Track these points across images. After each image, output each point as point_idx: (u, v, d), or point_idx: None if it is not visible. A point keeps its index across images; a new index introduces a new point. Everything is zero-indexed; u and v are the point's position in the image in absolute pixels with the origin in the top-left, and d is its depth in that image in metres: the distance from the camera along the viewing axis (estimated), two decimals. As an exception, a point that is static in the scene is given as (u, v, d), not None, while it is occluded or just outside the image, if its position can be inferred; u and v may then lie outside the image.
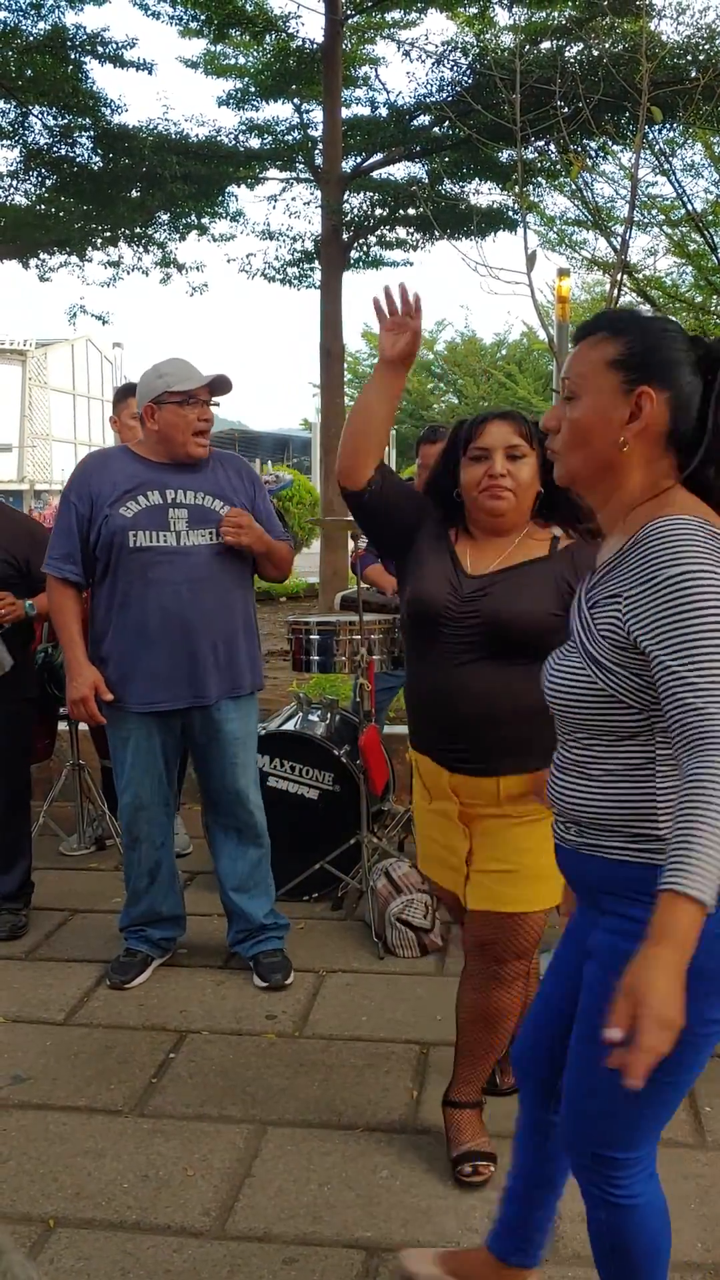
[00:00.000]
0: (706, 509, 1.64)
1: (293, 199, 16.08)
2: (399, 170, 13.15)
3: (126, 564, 3.37)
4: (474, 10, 11.79)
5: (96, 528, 3.38)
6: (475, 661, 2.41)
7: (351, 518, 2.66)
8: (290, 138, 13.26)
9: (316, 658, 4.35)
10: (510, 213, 12.34)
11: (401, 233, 13.32)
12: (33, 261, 13.69)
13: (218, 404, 3.50)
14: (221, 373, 3.43)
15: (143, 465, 3.44)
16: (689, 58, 10.02)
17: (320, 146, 12.34)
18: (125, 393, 4.60)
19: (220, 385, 3.44)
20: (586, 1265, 2.30)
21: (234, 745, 3.52)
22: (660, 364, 1.66)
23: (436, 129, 12.26)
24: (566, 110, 7.73)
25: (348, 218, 12.37)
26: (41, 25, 11.53)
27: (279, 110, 20.64)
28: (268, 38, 12.30)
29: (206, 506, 3.43)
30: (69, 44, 11.52)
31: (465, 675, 2.42)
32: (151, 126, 12.60)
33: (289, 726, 4.47)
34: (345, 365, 13.53)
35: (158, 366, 3.43)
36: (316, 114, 12.60)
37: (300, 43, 12.24)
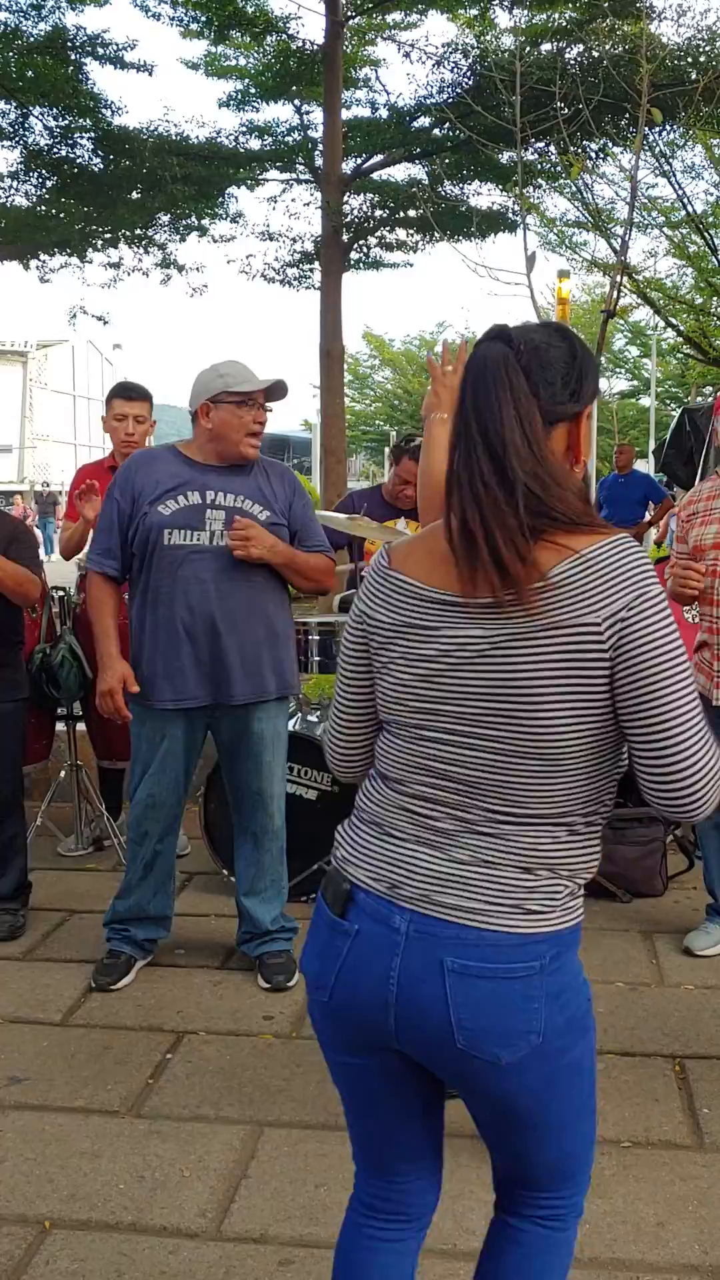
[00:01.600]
0: None
1: (293, 200, 16.12)
2: (399, 172, 13.17)
3: (159, 561, 3.40)
4: (474, 12, 11.80)
5: (135, 524, 3.42)
6: None
7: (351, 517, 2.65)
8: (290, 139, 13.27)
9: (316, 658, 4.34)
10: (510, 214, 12.35)
11: (401, 234, 13.33)
12: (33, 263, 13.70)
13: (270, 409, 3.50)
14: (280, 378, 3.45)
15: (186, 465, 3.46)
16: (689, 60, 10.03)
17: (320, 148, 12.35)
18: (114, 394, 4.63)
19: (277, 390, 3.46)
20: (583, 1267, 2.29)
21: (259, 747, 3.51)
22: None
23: (437, 130, 12.28)
24: (567, 112, 7.74)
25: (348, 219, 12.38)
26: (42, 26, 11.54)
27: (279, 112, 20.64)
28: (268, 39, 12.31)
29: (244, 509, 3.42)
30: (69, 45, 11.53)
31: None
32: (152, 128, 12.62)
33: (289, 727, 4.46)
34: (345, 366, 13.51)
35: (216, 366, 3.46)
36: (317, 115, 12.61)
37: (301, 44, 12.25)
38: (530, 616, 1.45)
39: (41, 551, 4.25)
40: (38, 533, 4.56)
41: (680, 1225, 2.43)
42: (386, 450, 4.84)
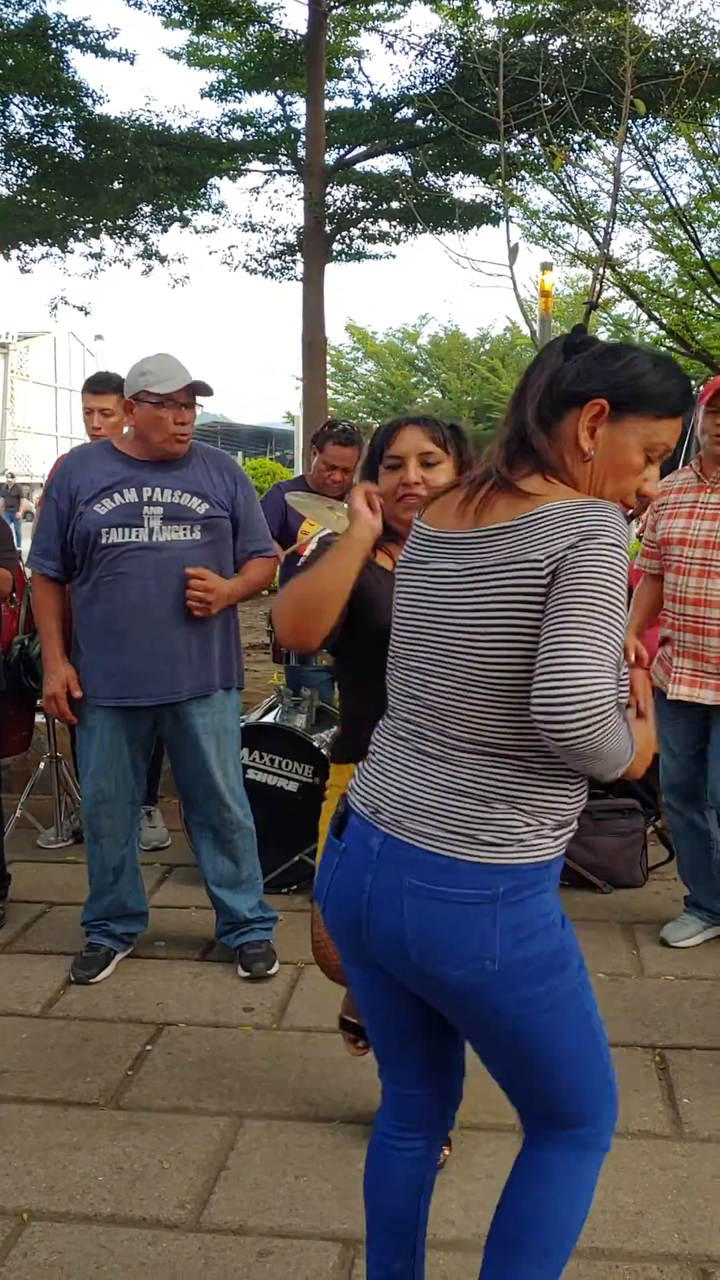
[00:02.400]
0: None
1: (275, 191, 16.10)
2: (382, 163, 13.15)
3: (98, 560, 3.37)
4: (458, 3, 11.77)
5: (72, 524, 3.39)
6: None
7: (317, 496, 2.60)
8: (273, 130, 13.23)
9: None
10: (493, 206, 12.35)
11: (384, 225, 13.31)
12: (14, 253, 13.62)
13: (201, 405, 3.47)
14: (199, 380, 3.36)
15: (122, 462, 3.42)
16: (672, 52, 10.03)
17: (303, 139, 12.32)
18: (83, 387, 4.67)
19: (198, 389, 3.38)
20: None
21: (205, 741, 3.48)
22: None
23: (420, 122, 12.26)
24: (550, 103, 7.72)
25: (330, 210, 12.36)
26: (23, 14, 11.46)
27: (262, 102, 20.55)
28: (251, 29, 12.27)
29: (182, 504, 3.39)
30: (50, 33, 11.46)
31: None
32: (134, 118, 12.56)
33: (268, 719, 4.45)
34: (327, 358, 13.49)
35: (142, 363, 3.39)
36: (299, 106, 12.59)
37: (283, 34, 12.22)
38: (491, 552, 1.60)
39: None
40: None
41: (659, 1214, 2.44)
42: (311, 443, 4.80)
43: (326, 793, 2.59)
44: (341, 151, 12.81)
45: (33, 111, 12.15)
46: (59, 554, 3.44)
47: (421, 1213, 1.95)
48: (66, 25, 11.52)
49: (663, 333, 14.05)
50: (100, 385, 4.57)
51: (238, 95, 13.06)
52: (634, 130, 10.12)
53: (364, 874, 1.70)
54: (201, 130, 13.08)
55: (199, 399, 3.45)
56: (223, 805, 3.55)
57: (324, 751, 4.20)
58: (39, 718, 4.79)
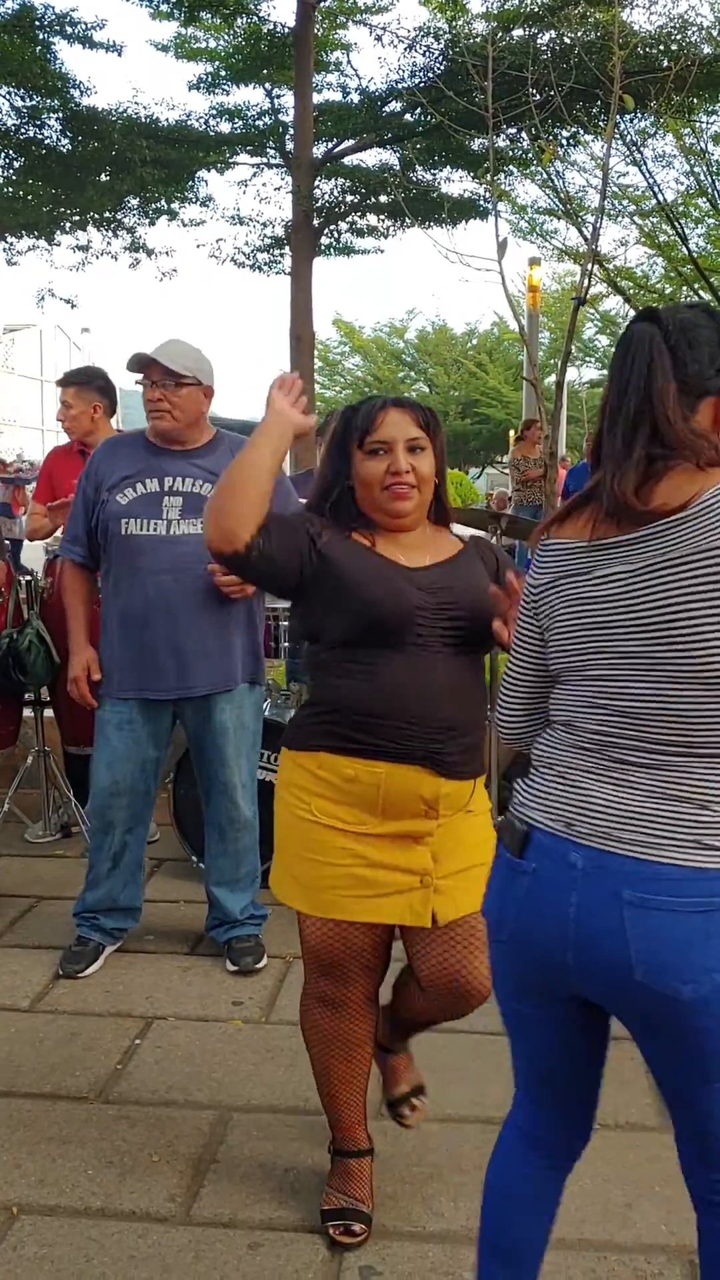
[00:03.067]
0: None
1: (263, 184, 16.06)
2: (370, 157, 13.13)
3: (118, 551, 3.40)
4: (446, -4, 11.76)
5: (97, 513, 3.43)
6: (445, 658, 2.24)
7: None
8: (261, 123, 13.20)
9: (287, 644, 4.32)
10: (482, 201, 12.34)
11: (372, 219, 13.29)
12: (0, 245, 13.55)
13: (169, 383, 3.33)
14: (139, 352, 3.34)
15: (146, 451, 3.44)
16: (660, 47, 10.04)
17: (291, 132, 12.30)
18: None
19: (137, 364, 3.35)
20: (552, 1248, 2.31)
21: (223, 738, 3.47)
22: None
23: (408, 115, 12.25)
24: (538, 98, 7.71)
25: (318, 204, 12.34)
26: (9, 4, 11.40)
27: (250, 95, 20.48)
28: (238, 21, 12.24)
29: (202, 494, 3.35)
30: (37, 23, 11.40)
31: (440, 673, 2.22)
32: (121, 109, 12.50)
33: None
34: (315, 352, 13.47)
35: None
36: (287, 99, 12.57)
37: (271, 27, 12.18)
38: (675, 544, 1.54)
39: None
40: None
41: (648, 1206, 2.45)
42: (315, 434, 4.82)
43: (279, 790, 2.35)
44: (329, 145, 12.79)
45: (19, 103, 12.10)
46: (85, 540, 3.50)
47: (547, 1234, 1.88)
48: (54, 16, 11.48)
49: (650, 328, 14.07)
50: (65, 378, 4.62)
51: (225, 88, 13.02)
52: (622, 126, 10.12)
53: (567, 892, 1.59)
54: (189, 123, 13.04)
55: (190, 378, 3.37)
56: (232, 804, 3.54)
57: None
58: (26, 711, 4.78)
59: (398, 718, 2.20)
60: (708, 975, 1.51)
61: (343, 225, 13.43)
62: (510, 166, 11.73)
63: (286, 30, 11.93)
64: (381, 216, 13.19)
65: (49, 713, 4.74)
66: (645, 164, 12.12)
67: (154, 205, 13.57)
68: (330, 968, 2.33)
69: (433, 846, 2.26)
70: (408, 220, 12.34)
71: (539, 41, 10.49)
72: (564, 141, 10.72)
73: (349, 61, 13.02)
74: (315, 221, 12.31)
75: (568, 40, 9.78)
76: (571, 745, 1.67)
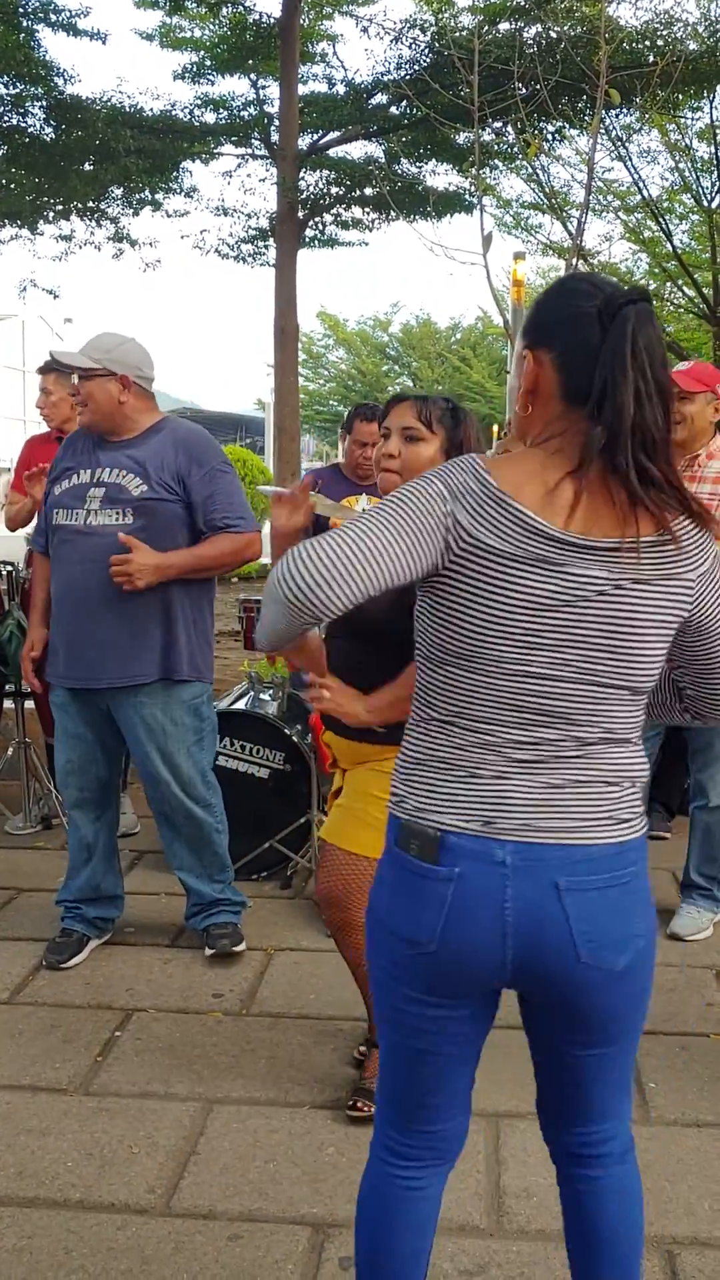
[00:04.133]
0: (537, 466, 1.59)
1: (248, 176, 16.03)
2: (355, 149, 13.09)
3: (53, 541, 3.46)
4: (433, -11, 11.73)
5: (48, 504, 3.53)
6: (342, 639, 2.60)
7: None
8: (246, 113, 13.14)
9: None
10: (467, 195, 12.33)
11: (357, 212, 13.25)
12: (-18, 233, 13.46)
13: (76, 381, 3.40)
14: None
15: (91, 444, 3.46)
16: (646, 43, 10.05)
17: (276, 123, 12.25)
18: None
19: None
20: (532, 1240, 2.32)
21: (140, 731, 3.42)
22: (539, 326, 1.63)
23: (394, 108, 12.22)
24: (524, 92, 7.71)
25: (303, 195, 12.30)
26: (-8, -9, 11.31)
27: (235, 85, 20.42)
28: (224, 11, 12.17)
29: (122, 484, 3.32)
30: (20, 11, 11.31)
31: (333, 652, 2.60)
32: (105, 98, 12.42)
33: (240, 705, 4.45)
34: (299, 345, 13.44)
35: None
36: (273, 90, 12.52)
37: (257, 17, 12.13)
38: (651, 567, 1.55)
39: None
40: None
41: (626, 1197, 2.46)
42: (340, 429, 4.85)
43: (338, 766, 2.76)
44: (315, 136, 12.75)
45: (2, 90, 12.01)
46: (46, 530, 3.56)
47: (429, 1246, 1.82)
48: (37, 3, 11.40)
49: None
50: (44, 365, 4.63)
51: (210, 78, 12.96)
52: (607, 121, 10.13)
53: (498, 889, 1.57)
54: (174, 113, 12.97)
55: (113, 367, 3.37)
56: (166, 796, 3.51)
57: (294, 738, 4.20)
58: (7, 703, 4.76)
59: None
60: (634, 942, 1.62)
61: (327, 217, 13.39)
62: (496, 160, 11.72)
63: (272, 20, 11.88)
64: (366, 209, 13.16)
65: (30, 704, 4.72)
66: (630, 159, 12.16)
67: (138, 195, 13.49)
68: None
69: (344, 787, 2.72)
70: (393, 213, 12.31)
71: (525, 35, 10.47)
72: (549, 136, 10.71)
73: (335, 53, 13.00)
74: (300, 213, 12.27)
75: (554, 34, 9.77)
76: (480, 744, 1.60)
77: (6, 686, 4.67)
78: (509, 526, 1.53)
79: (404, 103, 11.12)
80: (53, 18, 11.48)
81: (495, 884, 1.57)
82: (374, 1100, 2.39)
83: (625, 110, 10.61)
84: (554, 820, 1.58)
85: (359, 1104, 2.70)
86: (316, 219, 13.05)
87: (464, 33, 9.98)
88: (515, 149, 10.95)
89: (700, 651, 1.69)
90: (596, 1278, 1.79)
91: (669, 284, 14.02)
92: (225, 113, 13.21)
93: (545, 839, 1.58)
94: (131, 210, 13.73)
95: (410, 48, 11.53)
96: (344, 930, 2.68)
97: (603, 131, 9.64)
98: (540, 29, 10.34)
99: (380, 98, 12.33)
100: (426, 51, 11.20)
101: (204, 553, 3.38)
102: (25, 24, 11.44)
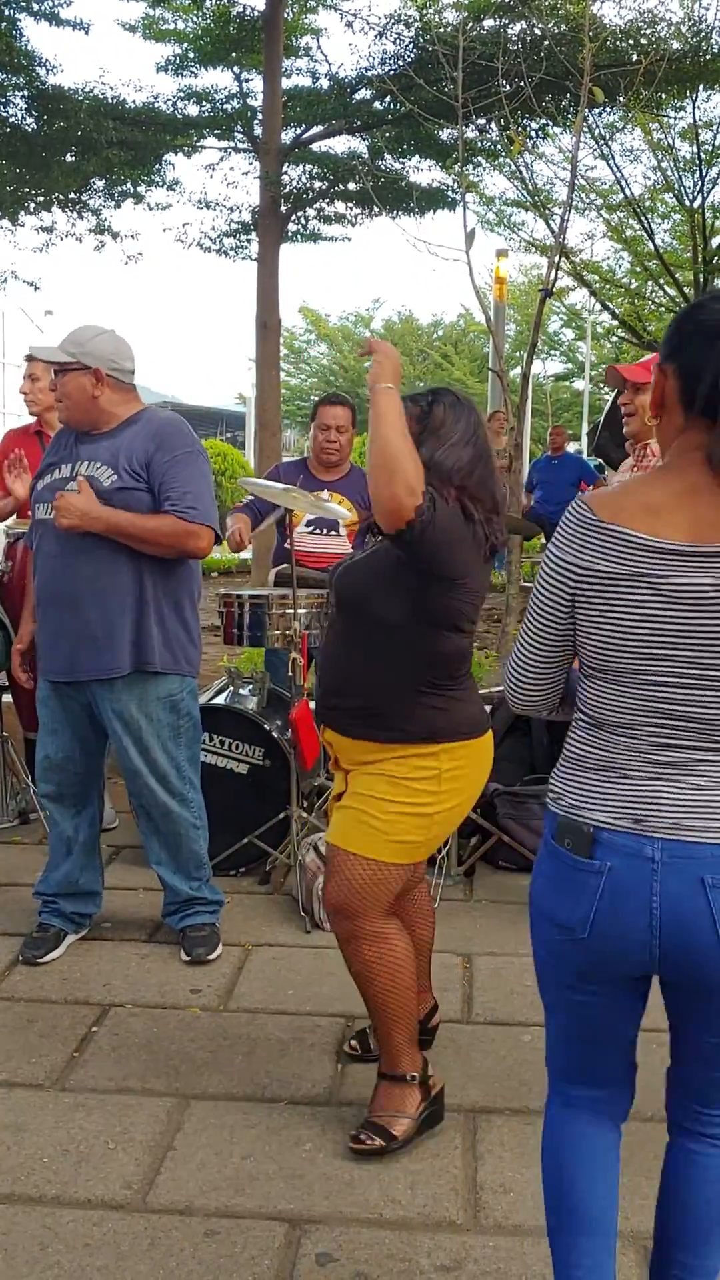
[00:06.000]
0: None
1: (230, 169, 15.93)
2: (339, 144, 13.04)
3: (35, 536, 3.49)
4: (418, -16, 11.70)
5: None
6: (336, 629, 2.67)
7: (286, 488, 2.71)
8: (229, 106, 13.05)
9: (248, 632, 4.31)
10: (450, 191, 12.32)
11: (340, 207, 13.20)
12: (-38, 224, 13.35)
13: (53, 377, 3.46)
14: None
15: (70, 437, 3.47)
16: (630, 42, 10.05)
17: (260, 116, 12.20)
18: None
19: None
20: (509, 1235, 2.32)
21: (122, 726, 3.41)
22: (668, 340, 1.74)
23: (378, 103, 12.17)
24: (508, 89, 7.70)
25: (286, 190, 12.24)
26: (-27, -21, 11.22)
27: (218, 78, 20.29)
28: (208, 3, 12.10)
29: (96, 477, 3.31)
30: (2, 0, 11.22)
31: (329, 643, 2.73)
32: (88, 89, 12.33)
33: (219, 700, 4.44)
34: (281, 340, 13.40)
35: None
36: (256, 83, 12.45)
37: (241, 9, 12.06)
38: None
39: None
40: None
41: (601, 1192, 2.46)
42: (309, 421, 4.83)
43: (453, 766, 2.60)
44: (298, 131, 12.68)
45: (-17, 80, 11.90)
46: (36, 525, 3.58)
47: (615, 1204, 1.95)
48: (20, -8, 11.29)
49: (615, 323, 14.15)
50: (32, 352, 4.59)
51: (194, 70, 12.86)
52: (590, 119, 10.14)
53: (647, 884, 1.68)
54: (157, 105, 12.87)
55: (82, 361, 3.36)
56: (143, 789, 3.50)
57: (274, 734, 4.19)
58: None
59: (320, 683, 2.71)
60: None
61: (310, 212, 13.33)
62: (479, 157, 11.71)
63: (256, 14, 11.82)
64: (349, 204, 13.10)
65: (7, 698, 4.70)
66: (613, 158, 12.17)
67: (120, 188, 13.39)
68: None
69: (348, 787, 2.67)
70: (376, 208, 12.27)
71: (510, 32, 10.45)
72: (533, 133, 10.71)
73: (319, 47, 12.97)
74: (283, 208, 12.22)
75: (538, 31, 9.75)
76: (627, 748, 1.73)
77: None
78: (612, 548, 1.67)
79: (388, 98, 11.07)
80: (35, 7, 11.36)
81: (644, 879, 1.68)
82: (381, 1135, 2.56)
83: (609, 109, 10.62)
84: (700, 819, 1.67)
85: (363, 1137, 2.58)
86: (299, 213, 12.99)
87: (448, 29, 9.96)
88: (499, 146, 10.94)
89: None
90: (684, 1243, 1.89)
91: (650, 283, 14.06)
92: (208, 106, 13.12)
93: (692, 837, 1.67)
94: (113, 202, 13.62)
95: (395, 43, 11.47)
96: (351, 942, 2.58)
97: (586, 129, 9.65)
98: (525, 26, 10.31)
99: (364, 93, 12.27)
100: (411, 47, 11.16)
101: (143, 523, 3.27)
102: (7, 13, 11.33)
